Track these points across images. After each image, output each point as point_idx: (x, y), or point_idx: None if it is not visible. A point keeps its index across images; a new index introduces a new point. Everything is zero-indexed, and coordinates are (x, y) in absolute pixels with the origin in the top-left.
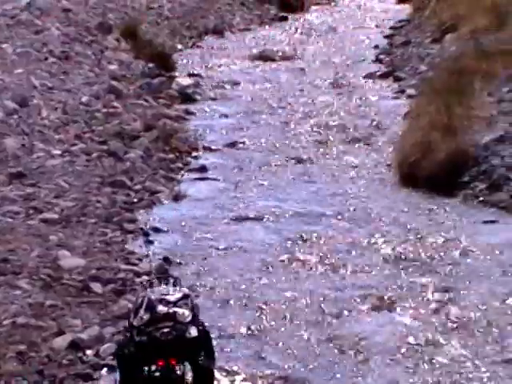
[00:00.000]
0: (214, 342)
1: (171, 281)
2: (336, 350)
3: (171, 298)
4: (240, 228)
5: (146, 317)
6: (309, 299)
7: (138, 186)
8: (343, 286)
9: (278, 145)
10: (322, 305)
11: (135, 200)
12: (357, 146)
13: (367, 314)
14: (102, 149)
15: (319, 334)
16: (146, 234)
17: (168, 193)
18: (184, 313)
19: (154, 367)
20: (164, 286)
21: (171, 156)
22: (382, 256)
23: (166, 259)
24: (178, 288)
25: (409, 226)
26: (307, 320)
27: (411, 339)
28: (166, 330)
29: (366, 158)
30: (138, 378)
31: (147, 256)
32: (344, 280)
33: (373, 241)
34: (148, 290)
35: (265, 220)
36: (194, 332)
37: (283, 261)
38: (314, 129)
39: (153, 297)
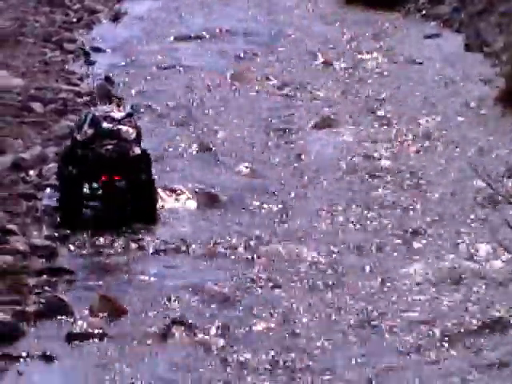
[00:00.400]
0: (161, 162)
1: (115, 100)
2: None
3: (116, 116)
4: (182, 47)
5: (90, 132)
6: (255, 116)
7: (77, 6)
8: (289, 105)
9: None
10: (270, 121)
11: (74, 20)
12: None
13: (312, 131)
14: None
15: (265, 144)
16: (87, 54)
17: (107, 12)
18: (128, 130)
19: (95, 184)
20: (108, 105)
21: None
22: (326, 73)
23: (107, 79)
24: (121, 108)
25: (354, 43)
26: (255, 133)
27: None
28: (110, 146)
29: None
30: (79, 195)
31: (88, 76)
32: (288, 99)
33: (316, 61)
34: (92, 108)
35: (207, 39)
36: (137, 150)
37: (226, 78)
38: None
39: (97, 113)
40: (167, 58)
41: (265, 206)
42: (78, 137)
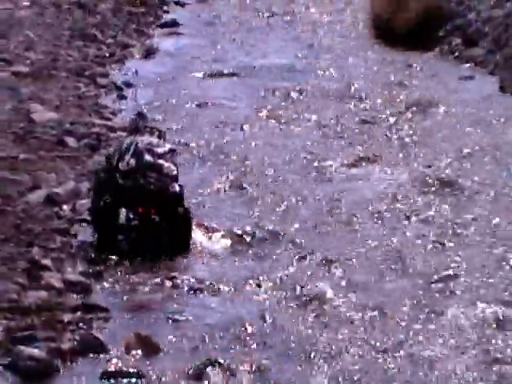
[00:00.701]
0: (194, 199)
1: (156, 133)
2: (320, 204)
3: (159, 150)
4: (215, 84)
5: (132, 162)
6: (289, 154)
7: (110, 40)
8: (323, 139)
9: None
10: (304, 159)
11: (107, 54)
12: (329, 2)
13: (348, 167)
14: (71, 0)
15: (301, 189)
16: (120, 89)
17: (140, 47)
18: (170, 166)
19: (131, 214)
20: (149, 137)
21: (141, 9)
22: (357, 116)
23: (140, 114)
24: (162, 141)
25: (383, 82)
26: (288, 176)
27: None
28: (151, 179)
29: (341, 14)
30: (115, 224)
31: (121, 111)
32: (322, 134)
33: (344, 96)
34: (133, 137)
35: (240, 75)
36: (176, 187)
37: (261, 116)
38: None
39: (140, 145)
40: (199, 95)
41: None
42: (120, 166)
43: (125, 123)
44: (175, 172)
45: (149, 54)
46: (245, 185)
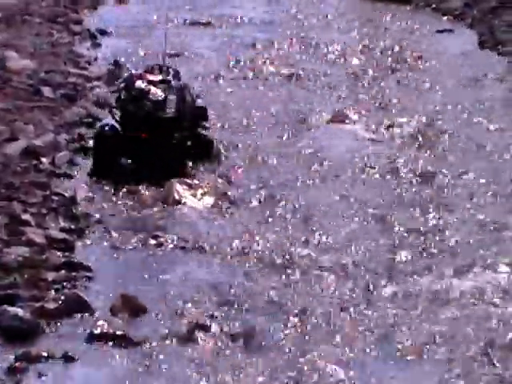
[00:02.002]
0: None
1: (171, 72)
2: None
3: (151, 77)
4: (190, 33)
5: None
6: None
7: None
8: (301, 98)
9: None
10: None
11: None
12: None
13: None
14: None
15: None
16: (94, 37)
17: None
18: (157, 92)
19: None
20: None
21: None
22: (334, 66)
23: (116, 63)
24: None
25: (360, 35)
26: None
27: None
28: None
29: None
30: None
31: (96, 59)
32: (299, 92)
33: (323, 51)
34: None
35: (217, 25)
36: (161, 113)
37: (237, 66)
38: None
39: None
40: (175, 43)
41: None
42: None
43: (101, 72)
44: (161, 97)
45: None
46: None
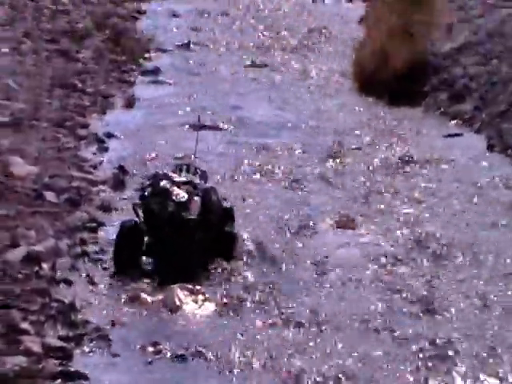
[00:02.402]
0: None
1: (198, 172)
2: None
3: (176, 179)
4: (196, 136)
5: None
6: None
7: (91, 89)
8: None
9: (231, 47)
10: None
11: (87, 103)
12: (311, 52)
13: (328, 231)
14: (51, 48)
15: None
16: (100, 141)
17: (121, 96)
18: (180, 193)
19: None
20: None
21: (123, 57)
22: (342, 165)
23: (121, 168)
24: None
25: (368, 138)
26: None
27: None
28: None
29: (322, 66)
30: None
31: (101, 163)
32: (303, 194)
33: (332, 152)
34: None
35: (222, 128)
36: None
37: (243, 172)
38: (265, 32)
39: (159, 173)
40: (180, 147)
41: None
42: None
43: (107, 176)
44: (184, 199)
45: (130, 103)
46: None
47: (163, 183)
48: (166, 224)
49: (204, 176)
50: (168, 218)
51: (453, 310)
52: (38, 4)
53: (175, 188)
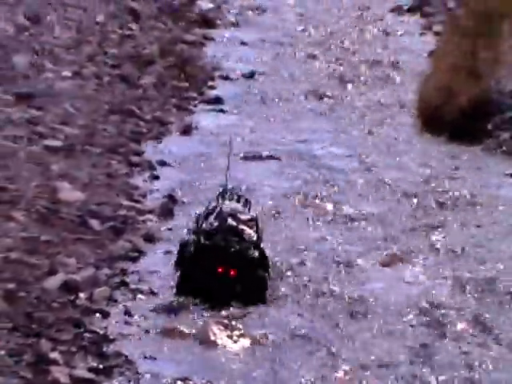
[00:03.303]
0: None
1: (242, 200)
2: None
3: (242, 217)
4: (250, 167)
5: (215, 224)
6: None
7: (148, 116)
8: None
9: (299, 78)
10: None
11: (144, 130)
12: (380, 84)
13: (376, 269)
14: (114, 73)
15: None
16: (153, 168)
17: (179, 124)
18: (251, 233)
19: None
20: (234, 203)
21: (185, 84)
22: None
23: (170, 197)
24: (246, 209)
25: (428, 173)
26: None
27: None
28: (232, 242)
29: (389, 99)
30: (196, 278)
31: (151, 192)
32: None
33: (389, 186)
34: (220, 201)
35: (280, 160)
36: (256, 254)
37: (294, 204)
38: (336, 64)
39: (224, 209)
40: (233, 178)
41: None
42: (204, 226)
43: (155, 205)
44: (255, 238)
45: (187, 131)
46: None
47: (230, 221)
48: (233, 261)
49: (247, 204)
50: (236, 255)
51: None
52: (105, 28)
53: (244, 227)
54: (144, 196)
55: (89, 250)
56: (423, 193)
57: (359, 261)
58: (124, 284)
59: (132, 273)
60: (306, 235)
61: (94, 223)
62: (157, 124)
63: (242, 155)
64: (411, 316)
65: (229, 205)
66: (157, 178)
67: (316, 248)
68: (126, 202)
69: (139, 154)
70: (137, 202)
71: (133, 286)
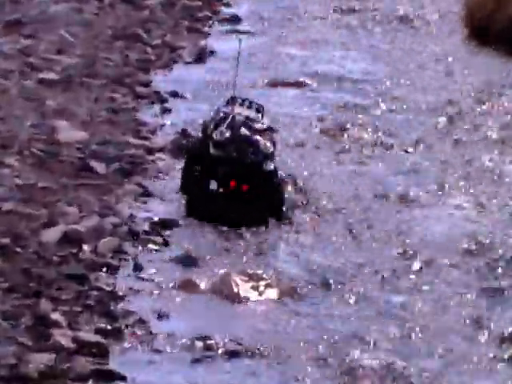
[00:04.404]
0: None
1: (254, 106)
2: None
3: (257, 126)
4: (274, 93)
5: (227, 134)
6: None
7: (157, 41)
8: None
9: None
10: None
11: (152, 58)
12: None
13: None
14: None
15: None
16: (163, 100)
17: (192, 49)
18: (266, 144)
19: (222, 188)
20: (246, 110)
21: (198, 3)
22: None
23: (183, 132)
24: (260, 115)
25: (480, 85)
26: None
27: None
28: (246, 153)
29: (432, 9)
30: (204, 194)
31: (162, 127)
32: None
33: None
34: (231, 108)
35: (305, 87)
36: (271, 166)
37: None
38: None
39: (237, 117)
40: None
41: None
42: (214, 135)
43: (166, 143)
44: (271, 150)
45: (201, 57)
46: None
47: (243, 130)
48: (246, 176)
49: (260, 110)
50: (250, 169)
51: None
52: None
53: (258, 137)
54: (154, 132)
55: (92, 196)
56: (473, 109)
57: None
58: (133, 233)
59: (143, 220)
60: None
61: (98, 166)
62: (167, 50)
63: (266, 81)
64: None
65: (241, 112)
66: (168, 111)
67: None
68: (133, 140)
69: (147, 84)
70: (145, 139)
71: (143, 236)
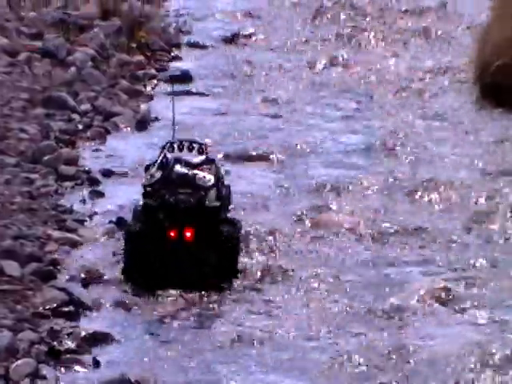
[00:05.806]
0: None
1: (196, 147)
2: None
3: (193, 160)
4: (234, 171)
5: (158, 175)
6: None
7: (86, 106)
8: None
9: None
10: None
11: (79, 127)
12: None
13: None
14: (33, 46)
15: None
16: (94, 182)
17: (130, 116)
18: (205, 177)
19: (162, 241)
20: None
21: (139, 57)
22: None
23: (119, 222)
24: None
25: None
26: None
27: None
28: (182, 196)
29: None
30: (146, 251)
31: (92, 216)
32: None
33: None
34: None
35: (270, 161)
36: (215, 203)
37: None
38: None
39: (170, 156)
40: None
41: None
42: (144, 180)
43: (97, 234)
44: (211, 182)
45: (142, 124)
46: None
47: (177, 167)
48: (187, 216)
49: (203, 151)
50: (190, 208)
51: None
52: None
53: (196, 171)
54: (82, 222)
55: (3, 305)
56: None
57: None
58: (54, 353)
59: (67, 335)
60: None
61: (10, 267)
62: (98, 117)
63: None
64: None
65: (175, 153)
66: (100, 194)
67: None
68: (55, 233)
69: (73, 162)
70: (71, 231)
71: (67, 356)
